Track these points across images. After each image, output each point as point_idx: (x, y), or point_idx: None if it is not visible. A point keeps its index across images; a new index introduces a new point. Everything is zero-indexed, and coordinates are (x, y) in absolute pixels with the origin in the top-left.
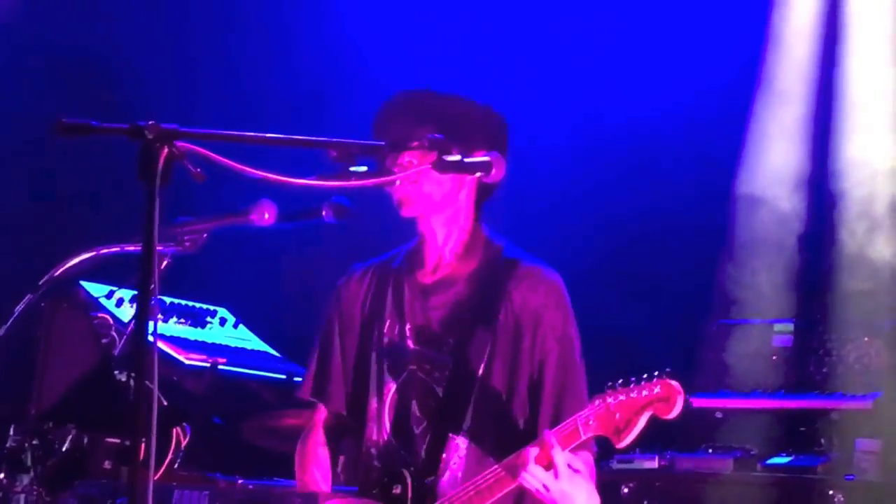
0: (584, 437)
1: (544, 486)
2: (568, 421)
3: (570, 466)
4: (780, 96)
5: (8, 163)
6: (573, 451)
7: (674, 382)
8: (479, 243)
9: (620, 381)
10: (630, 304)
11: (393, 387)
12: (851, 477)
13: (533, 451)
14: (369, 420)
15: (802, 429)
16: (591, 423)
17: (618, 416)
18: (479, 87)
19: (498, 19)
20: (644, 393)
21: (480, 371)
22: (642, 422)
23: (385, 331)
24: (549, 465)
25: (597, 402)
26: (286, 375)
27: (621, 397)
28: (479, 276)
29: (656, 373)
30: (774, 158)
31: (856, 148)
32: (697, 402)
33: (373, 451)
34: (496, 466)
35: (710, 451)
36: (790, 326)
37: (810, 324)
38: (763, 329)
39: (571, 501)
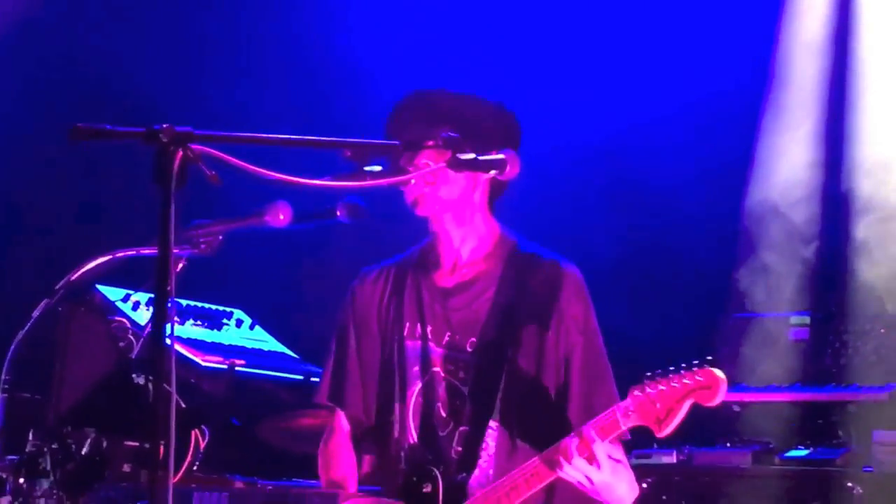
0: (623, 428)
1: (587, 477)
2: (607, 412)
3: (610, 457)
4: (792, 94)
5: (23, 168)
6: (610, 442)
7: (716, 370)
8: (495, 241)
9: (659, 371)
10: (644, 300)
11: (416, 389)
12: (870, 469)
13: (574, 443)
14: (393, 423)
15: (820, 421)
16: (631, 413)
17: (659, 405)
18: (486, 89)
19: (504, 22)
20: (686, 381)
21: (506, 368)
22: (684, 410)
23: (406, 334)
24: (591, 458)
25: (636, 393)
26: (303, 376)
27: (661, 387)
28: (497, 275)
29: (696, 361)
30: (789, 151)
31: (869, 139)
32: None
33: (400, 453)
34: (534, 460)
35: (729, 445)
36: (806, 319)
37: (826, 316)
38: (779, 322)
39: (613, 491)
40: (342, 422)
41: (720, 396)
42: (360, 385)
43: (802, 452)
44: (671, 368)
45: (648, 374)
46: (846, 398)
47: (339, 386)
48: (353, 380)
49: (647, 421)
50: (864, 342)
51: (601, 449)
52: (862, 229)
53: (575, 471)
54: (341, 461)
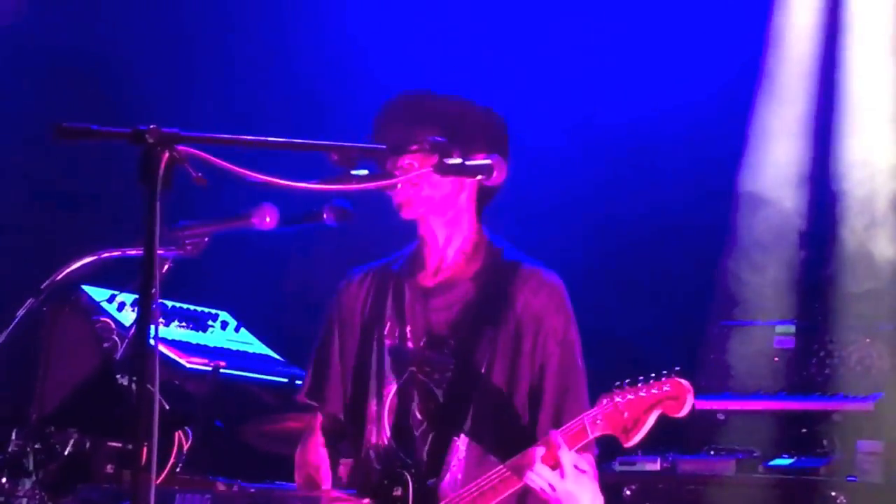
0: (591, 436)
1: (550, 485)
2: (575, 420)
3: (576, 467)
4: (781, 95)
5: (8, 165)
6: (578, 451)
7: (683, 381)
8: (481, 246)
9: (628, 380)
10: (631, 306)
11: (393, 389)
12: (853, 478)
13: (539, 451)
14: (368, 422)
15: (804, 430)
16: (598, 422)
17: (626, 414)
18: (477, 88)
19: (497, 21)
20: (654, 391)
21: (482, 373)
22: (651, 420)
23: (385, 333)
24: (556, 465)
25: (604, 402)
26: (288, 379)
27: (630, 396)
28: (480, 279)
29: (665, 372)
30: (775, 157)
31: (856, 146)
32: (699, 404)
33: (372, 453)
34: (501, 467)
35: (713, 452)
36: (792, 328)
37: (812, 325)
38: (765, 330)
39: (576, 501)
40: (321, 421)
41: (687, 407)
42: (340, 384)
43: (787, 461)
44: (640, 378)
45: (618, 383)
46: (831, 407)
47: (319, 384)
48: (334, 378)
49: (614, 430)
50: (849, 352)
51: (567, 457)
52: (848, 237)
53: (538, 477)
54: (315, 458)
